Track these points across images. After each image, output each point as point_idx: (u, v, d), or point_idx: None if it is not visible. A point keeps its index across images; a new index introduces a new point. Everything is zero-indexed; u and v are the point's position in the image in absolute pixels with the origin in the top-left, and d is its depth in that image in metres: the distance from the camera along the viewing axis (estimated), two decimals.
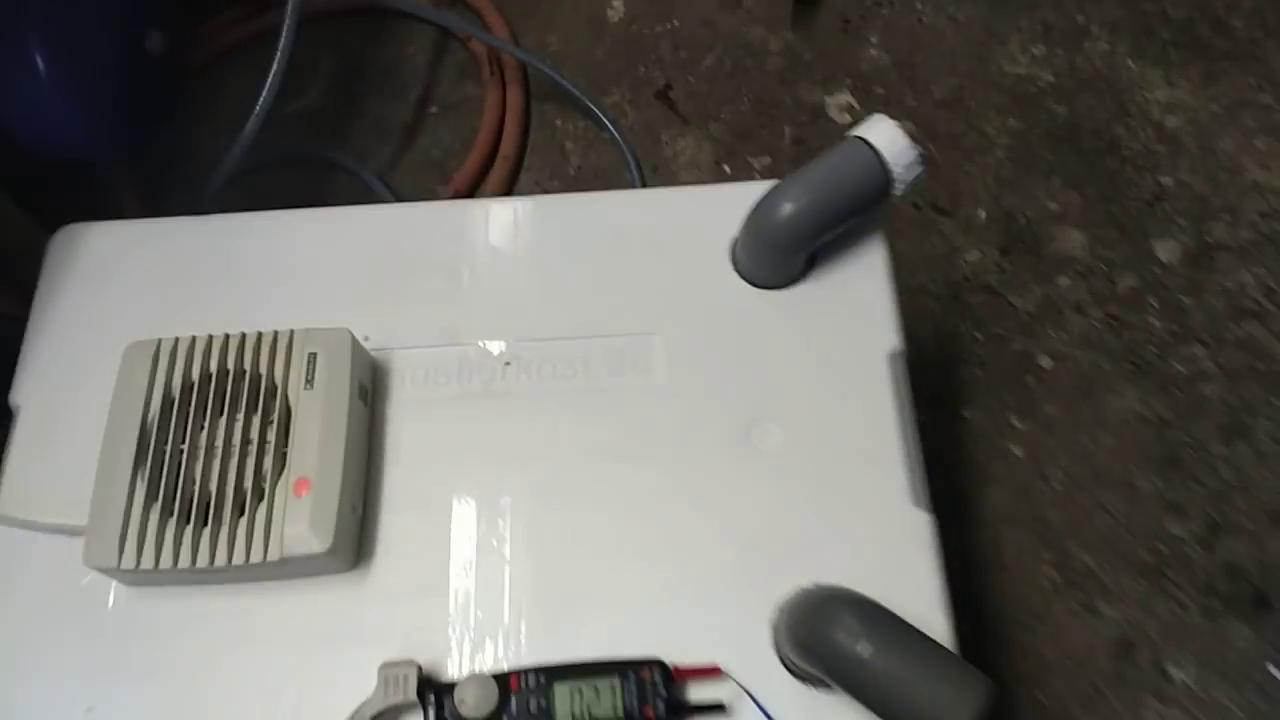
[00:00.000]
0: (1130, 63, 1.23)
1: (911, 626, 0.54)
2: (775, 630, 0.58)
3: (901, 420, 0.65)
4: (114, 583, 0.60)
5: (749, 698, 0.56)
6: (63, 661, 0.58)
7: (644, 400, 0.66)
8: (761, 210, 0.67)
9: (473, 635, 0.58)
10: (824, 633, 0.54)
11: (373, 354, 0.66)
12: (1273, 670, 0.96)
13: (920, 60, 1.24)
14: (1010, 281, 1.11)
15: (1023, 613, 0.97)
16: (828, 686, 0.57)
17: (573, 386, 0.66)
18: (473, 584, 0.60)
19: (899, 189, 0.65)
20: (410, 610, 0.59)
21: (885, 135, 0.64)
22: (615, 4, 1.31)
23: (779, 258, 0.68)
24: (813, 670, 0.55)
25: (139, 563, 0.56)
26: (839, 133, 0.75)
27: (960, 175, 1.17)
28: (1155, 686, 0.95)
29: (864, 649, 0.52)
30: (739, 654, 0.57)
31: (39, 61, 0.92)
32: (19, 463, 0.64)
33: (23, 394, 0.66)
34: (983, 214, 1.15)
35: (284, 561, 0.56)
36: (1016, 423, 1.04)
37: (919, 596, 0.58)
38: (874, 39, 1.25)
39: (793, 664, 0.57)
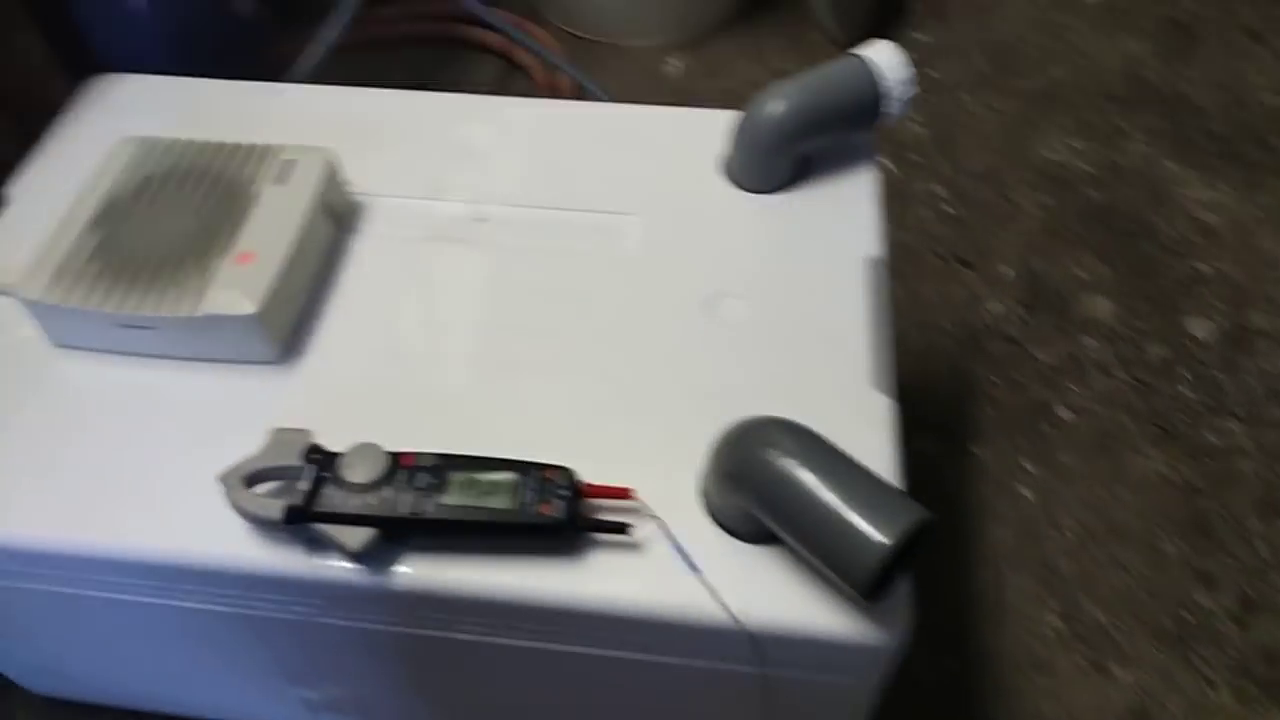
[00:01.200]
0: (1169, 163, 1.23)
1: (850, 456, 0.49)
2: (704, 473, 0.53)
3: (874, 313, 0.62)
4: (44, 339, 0.59)
5: (659, 524, 0.51)
6: None
7: (611, 263, 0.64)
8: (754, 107, 0.68)
9: (388, 435, 0.54)
10: (755, 452, 0.49)
11: (354, 197, 0.67)
12: None
13: (958, 138, 1.27)
14: (1032, 335, 1.07)
15: (1021, 659, 0.87)
16: (750, 539, 0.52)
17: (541, 245, 0.65)
18: (401, 392, 0.58)
19: (891, 106, 0.66)
20: (330, 407, 0.56)
21: (883, 53, 0.67)
22: (674, 62, 1.39)
23: (766, 155, 0.68)
24: (738, 501, 0.50)
25: (63, 297, 0.55)
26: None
27: (989, 237, 1.16)
28: None
29: (794, 466, 0.47)
30: (662, 491, 0.52)
31: None
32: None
33: (17, 188, 0.68)
34: (1009, 272, 1.13)
35: (209, 321, 0.55)
36: (1028, 466, 0.97)
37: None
38: (916, 115, 1.29)
39: (717, 508, 0.52)
